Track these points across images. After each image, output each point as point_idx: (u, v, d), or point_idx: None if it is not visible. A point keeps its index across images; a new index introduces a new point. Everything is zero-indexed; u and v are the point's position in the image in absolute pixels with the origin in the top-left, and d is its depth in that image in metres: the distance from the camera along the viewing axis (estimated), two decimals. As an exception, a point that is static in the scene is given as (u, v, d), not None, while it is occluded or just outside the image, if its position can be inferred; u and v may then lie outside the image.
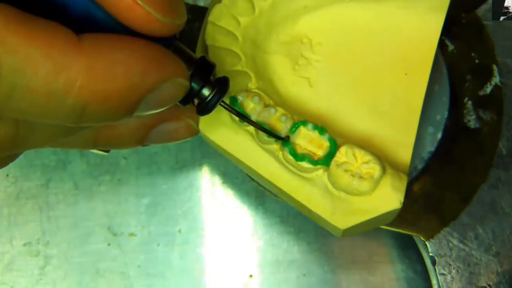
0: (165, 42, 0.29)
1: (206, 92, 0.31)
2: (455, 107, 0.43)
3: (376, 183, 0.34)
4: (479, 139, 0.42)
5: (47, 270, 0.47)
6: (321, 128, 0.35)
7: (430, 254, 0.41)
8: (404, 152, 0.36)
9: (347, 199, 0.34)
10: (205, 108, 0.31)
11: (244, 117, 0.34)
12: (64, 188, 0.47)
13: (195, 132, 0.37)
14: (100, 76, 0.27)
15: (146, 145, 0.37)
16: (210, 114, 0.36)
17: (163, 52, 0.29)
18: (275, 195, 0.41)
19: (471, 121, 0.43)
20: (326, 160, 0.34)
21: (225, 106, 0.33)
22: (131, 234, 0.47)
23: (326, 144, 0.35)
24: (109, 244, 0.47)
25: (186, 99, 0.30)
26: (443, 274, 0.40)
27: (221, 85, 0.31)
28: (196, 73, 0.30)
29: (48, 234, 0.47)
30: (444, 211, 0.41)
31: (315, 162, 0.34)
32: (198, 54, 0.38)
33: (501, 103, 0.43)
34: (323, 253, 0.47)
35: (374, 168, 0.33)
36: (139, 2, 0.27)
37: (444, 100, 0.42)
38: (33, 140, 0.32)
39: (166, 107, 0.30)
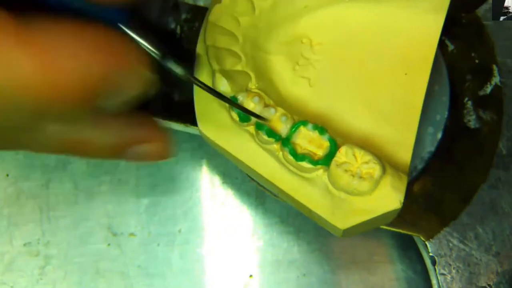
0: (122, 16, 0.28)
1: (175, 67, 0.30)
2: (455, 107, 0.43)
3: (376, 183, 0.34)
4: (479, 139, 0.42)
5: (47, 270, 0.47)
6: (321, 128, 0.35)
7: (430, 254, 0.41)
8: (404, 152, 0.36)
9: (347, 199, 0.34)
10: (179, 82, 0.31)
11: (217, 94, 0.34)
12: (64, 188, 0.47)
13: (167, 155, 0.35)
14: (48, 69, 0.25)
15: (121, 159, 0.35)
16: (210, 114, 0.36)
17: (120, 38, 0.27)
18: (275, 195, 0.41)
19: (471, 121, 0.43)
20: (326, 160, 0.34)
21: (197, 83, 0.32)
22: (131, 234, 0.47)
23: (326, 144, 0.35)
24: (109, 244, 0.47)
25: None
26: (443, 274, 0.40)
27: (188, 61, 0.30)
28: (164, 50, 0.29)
29: (48, 234, 0.47)
30: (444, 211, 0.41)
31: (315, 162, 0.35)
32: (198, 54, 0.38)
33: (501, 103, 0.43)
34: (323, 253, 0.47)
35: (374, 168, 0.33)
36: None
37: (444, 100, 0.42)
38: (22, 142, 0.30)
39: (131, 98, 0.29)
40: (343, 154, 0.34)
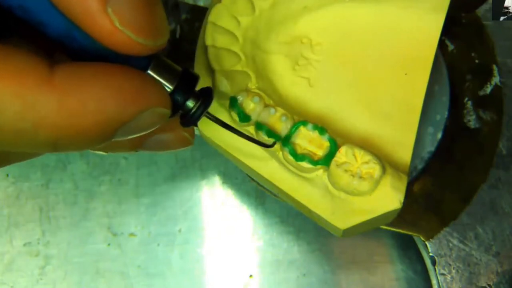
0: (147, 57, 0.28)
1: (190, 104, 0.30)
2: (455, 107, 0.43)
3: (376, 183, 0.33)
4: (479, 139, 0.42)
5: (47, 270, 0.47)
6: (321, 128, 0.35)
7: (430, 254, 0.41)
8: (404, 152, 0.36)
9: (347, 199, 0.34)
10: (189, 120, 0.31)
11: (229, 127, 0.33)
12: (64, 188, 0.47)
13: (189, 143, 0.36)
14: (71, 113, 0.26)
15: (140, 151, 0.36)
16: (210, 112, 0.36)
17: (142, 81, 0.28)
18: (275, 195, 0.41)
19: (471, 121, 0.43)
20: (326, 160, 0.34)
21: (210, 117, 0.32)
22: (131, 234, 0.47)
23: (326, 144, 0.35)
24: (109, 244, 0.47)
25: (172, 112, 0.30)
26: (443, 274, 0.40)
27: (205, 97, 0.31)
28: (180, 86, 0.30)
29: (48, 234, 0.47)
30: (444, 211, 0.41)
31: (315, 162, 0.34)
32: (198, 54, 0.38)
33: (501, 103, 0.42)
34: (323, 253, 0.47)
35: (374, 168, 0.33)
36: (118, 27, 0.26)
37: (444, 100, 0.42)
38: (10, 161, 0.32)
39: (147, 132, 0.29)
40: (343, 154, 0.34)
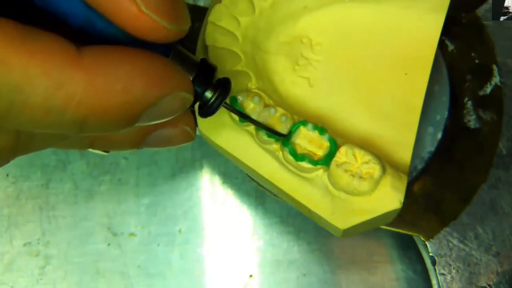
0: (167, 47, 0.29)
1: (208, 94, 0.31)
2: (455, 107, 0.43)
3: (376, 183, 0.33)
4: (479, 139, 0.42)
5: (47, 270, 0.47)
6: (321, 128, 0.35)
7: (430, 254, 0.41)
8: (404, 152, 0.36)
9: (347, 199, 0.34)
10: (208, 110, 0.31)
11: (246, 117, 0.34)
12: (64, 188, 0.47)
13: (191, 138, 0.36)
14: (99, 92, 0.27)
15: (141, 148, 0.36)
16: None
17: (166, 65, 0.29)
18: (275, 195, 0.41)
19: (471, 121, 0.43)
20: (326, 160, 0.34)
21: (228, 107, 0.33)
22: (131, 234, 0.47)
23: (326, 144, 0.35)
24: (109, 244, 0.47)
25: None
26: (443, 274, 0.40)
27: (223, 87, 0.31)
28: (198, 76, 0.30)
29: (48, 234, 0.47)
30: (444, 211, 0.41)
31: (315, 162, 0.34)
32: (198, 54, 0.38)
33: (501, 103, 0.42)
34: (323, 253, 0.47)
35: (374, 168, 0.33)
36: (144, 10, 0.26)
37: (444, 100, 0.42)
38: (32, 146, 0.32)
39: (170, 118, 0.30)
40: (343, 154, 0.34)
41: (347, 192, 0.34)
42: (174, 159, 0.48)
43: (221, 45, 0.38)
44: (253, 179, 0.42)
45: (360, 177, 0.33)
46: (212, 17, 0.38)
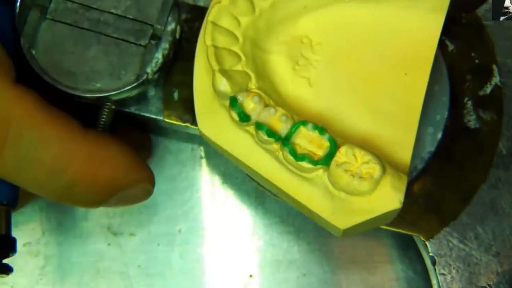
0: None
1: None
2: (455, 107, 0.43)
3: (376, 183, 0.33)
4: (479, 139, 0.42)
5: (47, 270, 0.47)
6: (321, 128, 0.35)
7: (430, 254, 0.41)
8: (404, 152, 0.36)
9: (347, 199, 0.34)
10: None
11: None
12: (64, 188, 0.47)
13: (150, 193, 0.39)
14: (93, 165, 0.33)
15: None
16: (210, 113, 0.36)
17: (141, 160, 0.36)
18: (275, 195, 0.41)
19: (471, 121, 0.43)
20: (326, 160, 0.34)
21: None
22: (131, 234, 0.47)
23: (326, 144, 0.35)
24: (109, 244, 0.47)
25: None
26: (443, 274, 0.40)
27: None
28: None
29: (48, 234, 0.47)
30: (444, 211, 0.41)
31: (315, 162, 0.34)
32: (198, 54, 0.38)
33: (501, 103, 0.42)
34: (323, 253, 0.47)
35: (374, 168, 0.33)
36: None
37: (444, 100, 0.42)
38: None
39: (130, 205, 0.38)
40: (343, 154, 0.34)
41: (347, 192, 0.34)
42: (174, 159, 0.48)
43: (221, 45, 0.38)
44: (253, 179, 0.42)
45: (360, 177, 0.33)
46: (212, 16, 0.38)
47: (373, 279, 0.46)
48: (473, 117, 0.43)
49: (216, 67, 0.37)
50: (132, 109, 0.41)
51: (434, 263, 0.41)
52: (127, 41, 0.40)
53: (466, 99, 0.43)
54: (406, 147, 0.36)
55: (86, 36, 0.39)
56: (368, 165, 0.34)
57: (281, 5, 0.39)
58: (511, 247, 0.40)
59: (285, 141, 0.35)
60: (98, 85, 0.39)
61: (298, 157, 0.34)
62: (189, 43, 0.42)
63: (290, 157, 0.35)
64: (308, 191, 0.35)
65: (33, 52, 0.38)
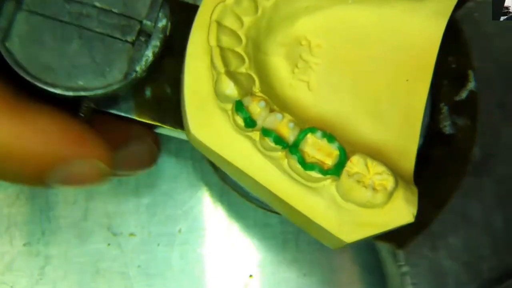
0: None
1: None
2: (432, 112, 0.43)
3: (390, 195, 0.33)
4: (453, 145, 0.42)
5: (47, 270, 0.46)
6: (329, 135, 0.33)
7: (401, 264, 0.40)
8: (407, 161, 0.36)
9: (355, 211, 0.33)
10: None
11: None
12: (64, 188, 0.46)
13: (107, 173, 0.34)
14: (22, 138, 0.30)
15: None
16: (204, 117, 0.35)
17: (83, 130, 0.32)
18: (276, 212, 0.39)
19: (447, 126, 0.43)
20: (337, 169, 0.33)
21: None
22: (131, 234, 0.47)
23: (336, 152, 0.33)
24: (109, 244, 0.47)
25: None
26: (414, 284, 0.40)
27: None
28: None
29: (48, 234, 0.46)
30: (417, 219, 0.40)
31: (325, 171, 0.33)
32: (190, 53, 0.37)
33: (476, 109, 0.42)
34: (323, 253, 0.48)
35: (388, 180, 0.32)
36: None
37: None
38: None
39: (84, 185, 0.34)
40: (354, 164, 0.32)
41: (358, 204, 0.33)
42: (174, 159, 0.48)
43: (225, 45, 0.36)
44: (252, 202, 0.41)
45: (374, 189, 0.32)
46: (216, 16, 0.36)
47: (373, 279, 0.48)
48: (448, 122, 0.42)
49: (222, 69, 0.35)
50: (101, 106, 0.38)
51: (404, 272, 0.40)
52: (112, 37, 0.37)
53: (442, 104, 0.43)
54: (409, 156, 0.36)
55: (66, 30, 0.36)
56: (381, 176, 0.32)
57: (283, 5, 0.38)
58: (481, 257, 0.40)
59: (293, 148, 0.33)
60: (81, 82, 0.36)
61: (308, 166, 0.33)
62: (182, 40, 0.39)
63: (298, 166, 0.33)
64: (312, 201, 0.33)
65: (7, 45, 0.36)
